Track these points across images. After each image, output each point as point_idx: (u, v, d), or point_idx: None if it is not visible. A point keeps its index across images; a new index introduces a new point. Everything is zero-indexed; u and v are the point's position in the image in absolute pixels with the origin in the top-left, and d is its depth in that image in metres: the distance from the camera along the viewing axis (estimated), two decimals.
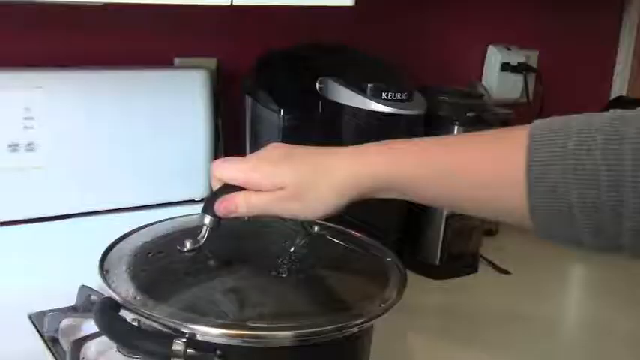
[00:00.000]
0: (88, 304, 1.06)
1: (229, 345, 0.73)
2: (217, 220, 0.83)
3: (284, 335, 0.75)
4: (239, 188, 0.81)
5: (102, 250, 1.14)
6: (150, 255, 0.87)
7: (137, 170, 1.21)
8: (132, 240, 0.90)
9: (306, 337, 0.75)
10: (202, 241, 0.83)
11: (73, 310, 1.06)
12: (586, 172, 0.65)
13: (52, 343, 1.00)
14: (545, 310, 1.27)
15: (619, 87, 1.99)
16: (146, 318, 0.75)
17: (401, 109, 1.17)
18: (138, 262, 0.85)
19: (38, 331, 1.02)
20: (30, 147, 1.12)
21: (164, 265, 0.86)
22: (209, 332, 0.72)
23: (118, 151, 1.19)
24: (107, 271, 0.83)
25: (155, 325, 0.74)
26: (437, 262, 1.33)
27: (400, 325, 1.14)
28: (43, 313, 1.03)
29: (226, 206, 0.81)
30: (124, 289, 0.79)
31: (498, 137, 0.75)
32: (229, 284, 0.82)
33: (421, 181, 0.76)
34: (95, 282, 1.08)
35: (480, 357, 1.10)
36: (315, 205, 0.78)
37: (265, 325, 0.75)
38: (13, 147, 1.11)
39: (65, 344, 0.98)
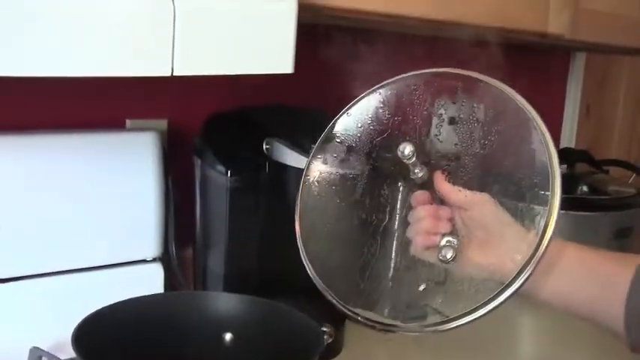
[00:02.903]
0: None
1: None
2: None
3: None
4: None
5: (52, 311, 1.17)
6: None
7: (89, 232, 1.22)
8: None
9: None
10: None
11: None
12: None
13: None
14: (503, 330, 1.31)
15: (568, 136, 2.05)
16: None
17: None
18: None
19: None
20: None
21: None
22: None
23: (69, 213, 1.20)
24: None
25: None
26: None
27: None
28: None
29: None
30: None
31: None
32: None
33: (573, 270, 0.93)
34: (46, 343, 1.10)
35: None
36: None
37: None
38: None
39: None
